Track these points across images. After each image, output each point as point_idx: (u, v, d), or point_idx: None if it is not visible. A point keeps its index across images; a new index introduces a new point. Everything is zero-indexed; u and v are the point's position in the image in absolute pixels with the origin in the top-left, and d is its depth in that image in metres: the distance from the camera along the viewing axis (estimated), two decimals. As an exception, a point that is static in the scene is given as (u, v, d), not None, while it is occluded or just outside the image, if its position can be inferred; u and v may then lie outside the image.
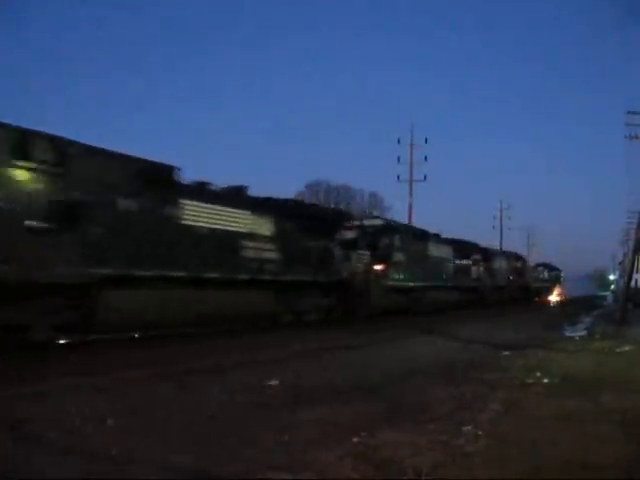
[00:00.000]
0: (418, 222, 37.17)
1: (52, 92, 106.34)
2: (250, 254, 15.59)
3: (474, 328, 19.26)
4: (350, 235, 21.61)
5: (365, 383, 8.12)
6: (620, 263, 61.36)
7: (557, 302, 55.57)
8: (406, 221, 39.00)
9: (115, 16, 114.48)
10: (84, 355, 10.35)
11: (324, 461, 4.53)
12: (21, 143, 10.27)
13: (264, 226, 16.33)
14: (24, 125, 10.52)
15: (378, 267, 23.04)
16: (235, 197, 16.27)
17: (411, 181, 40.86)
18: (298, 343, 12.91)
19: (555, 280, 67.62)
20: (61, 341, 11.50)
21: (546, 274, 65.04)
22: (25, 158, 10.26)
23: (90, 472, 4.26)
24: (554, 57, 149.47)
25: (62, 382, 7.50)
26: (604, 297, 66.60)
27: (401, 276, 25.54)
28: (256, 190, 17.91)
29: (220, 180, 16.77)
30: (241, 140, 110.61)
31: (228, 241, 14.83)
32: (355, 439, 5.15)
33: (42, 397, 6.64)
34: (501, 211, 65.45)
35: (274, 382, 7.90)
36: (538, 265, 65.46)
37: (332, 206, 46.02)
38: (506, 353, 12.04)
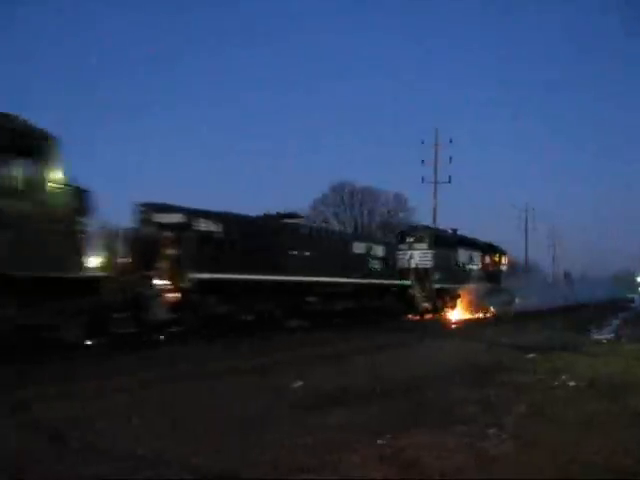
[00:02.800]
0: (443, 223, 36.76)
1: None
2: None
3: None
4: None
5: (389, 384, 8.12)
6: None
7: (460, 323, 24.85)
8: (430, 222, 38.73)
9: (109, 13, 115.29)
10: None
11: (349, 463, 4.56)
12: None
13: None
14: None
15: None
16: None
17: (435, 182, 40.75)
18: (324, 344, 12.91)
19: (467, 273, 30.27)
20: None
21: (415, 257, 26.34)
22: None
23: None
24: (573, 61, 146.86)
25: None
26: (632, 299, 64.29)
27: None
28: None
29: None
30: (265, 142, 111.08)
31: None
32: (380, 441, 5.17)
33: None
34: (527, 212, 64.43)
35: (299, 384, 7.95)
36: (406, 231, 29.21)
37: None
38: (532, 355, 11.93)
